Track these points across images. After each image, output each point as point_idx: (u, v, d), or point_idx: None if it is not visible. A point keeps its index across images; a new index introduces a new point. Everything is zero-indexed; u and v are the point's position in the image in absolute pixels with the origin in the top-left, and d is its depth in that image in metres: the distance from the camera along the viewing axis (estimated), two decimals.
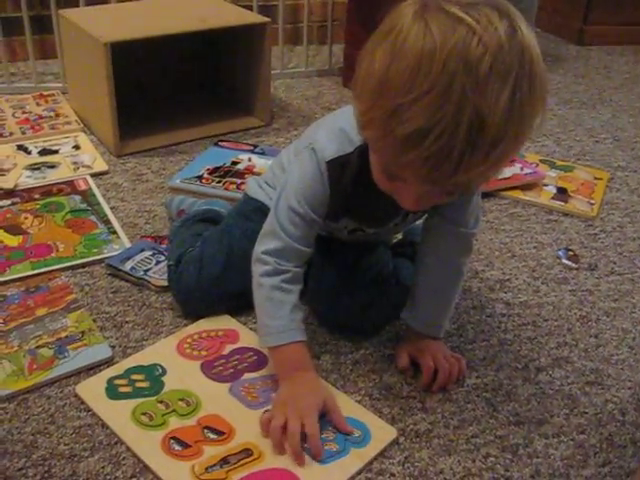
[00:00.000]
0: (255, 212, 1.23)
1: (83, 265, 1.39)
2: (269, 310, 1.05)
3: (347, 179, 1.01)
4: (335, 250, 1.21)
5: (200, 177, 1.72)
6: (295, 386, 1.02)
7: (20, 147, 1.90)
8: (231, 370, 1.12)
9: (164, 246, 1.42)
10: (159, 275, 1.32)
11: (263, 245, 1.05)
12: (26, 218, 1.54)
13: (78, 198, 1.63)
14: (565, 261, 1.48)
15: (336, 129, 1.01)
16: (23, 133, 1.99)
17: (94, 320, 1.23)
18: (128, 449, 0.99)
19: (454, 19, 0.73)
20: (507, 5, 0.78)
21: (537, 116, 0.80)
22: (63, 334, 1.19)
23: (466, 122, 0.72)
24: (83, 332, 1.19)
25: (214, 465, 0.95)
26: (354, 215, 1.11)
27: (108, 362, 1.14)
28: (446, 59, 0.72)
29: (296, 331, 1.04)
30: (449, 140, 0.73)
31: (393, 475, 0.97)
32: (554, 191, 1.76)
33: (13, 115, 2.11)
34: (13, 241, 1.46)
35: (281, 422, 0.98)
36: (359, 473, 0.97)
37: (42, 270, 1.36)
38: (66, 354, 1.14)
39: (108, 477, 0.95)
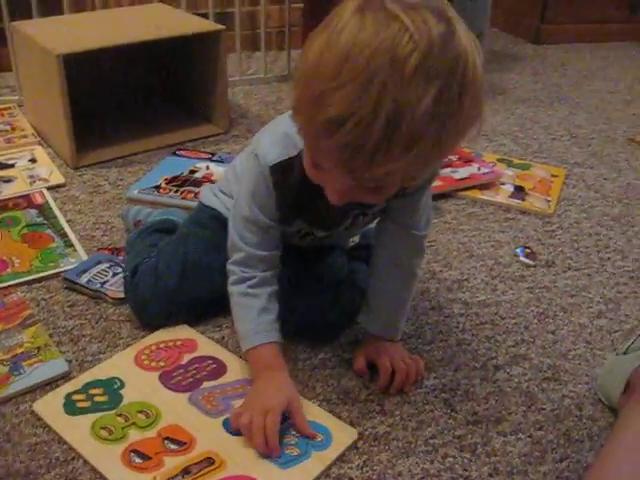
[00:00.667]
0: (210, 220, 1.23)
1: (39, 280, 1.38)
2: (239, 315, 1.09)
3: (292, 182, 1.01)
4: (289, 255, 1.21)
5: (158, 187, 1.71)
6: (263, 384, 1.04)
7: None
8: (190, 379, 1.11)
9: (121, 258, 1.41)
10: (116, 287, 1.32)
11: (230, 257, 1.10)
12: None
13: (34, 212, 1.61)
14: (523, 259, 1.50)
15: (280, 133, 1.01)
16: None
17: (50, 335, 1.22)
18: (85, 464, 0.98)
19: (390, 17, 0.74)
20: (448, 10, 0.79)
21: (468, 125, 0.81)
22: (19, 350, 1.17)
23: (383, 117, 0.73)
24: (39, 348, 1.18)
25: (175, 476, 0.95)
26: (304, 219, 1.11)
27: (65, 377, 1.13)
28: (373, 52, 0.72)
29: (264, 333, 1.07)
30: (364, 131, 0.74)
31: (351, 479, 0.98)
32: (511, 189, 1.78)
33: None
34: None
35: (247, 420, 0.99)
36: (319, 478, 0.97)
37: None
38: (21, 370, 1.13)
39: None
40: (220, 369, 1.14)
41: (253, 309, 1.07)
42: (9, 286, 1.35)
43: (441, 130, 0.77)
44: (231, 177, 1.24)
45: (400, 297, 1.15)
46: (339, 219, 1.12)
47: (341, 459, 1.00)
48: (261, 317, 1.07)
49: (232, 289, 1.09)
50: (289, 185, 1.02)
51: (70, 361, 1.17)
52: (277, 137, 1.02)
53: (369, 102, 0.73)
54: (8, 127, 2.09)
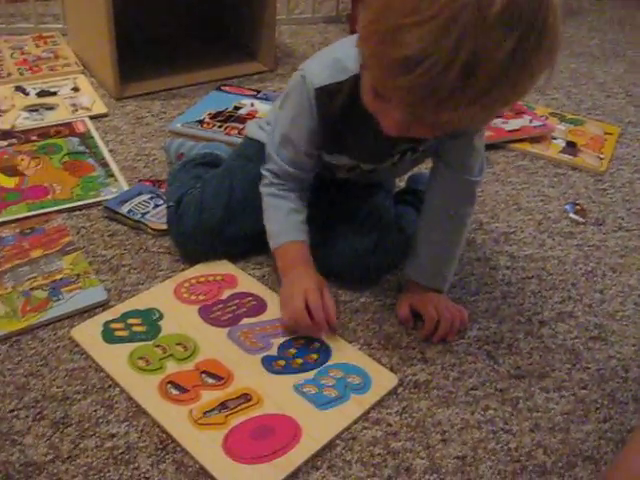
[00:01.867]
0: (256, 153, 1.20)
1: (80, 208, 1.36)
2: (268, 216, 1.12)
3: (337, 108, 0.98)
4: (336, 195, 1.19)
5: (201, 121, 1.68)
6: (291, 279, 1.08)
7: (18, 88, 1.86)
8: (229, 315, 1.11)
9: (162, 190, 1.39)
10: (157, 218, 1.30)
11: (265, 165, 1.12)
12: (23, 160, 1.52)
13: (76, 140, 1.60)
14: (572, 215, 1.46)
15: (330, 59, 0.98)
16: (21, 74, 1.95)
17: (90, 263, 1.21)
18: (122, 392, 0.98)
19: None
20: None
21: (541, 72, 0.76)
22: (58, 276, 1.17)
23: (461, 61, 0.69)
24: (78, 275, 1.17)
25: (212, 410, 0.95)
26: (347, 148, 1.08)
27: (103, 305, 1.13)
28: None
29: (292, 232, 1.10)
30: (439, 75, 0.70)
31: (390, 425, 0.96)
32: (563, 144, 1.73)
33: (11, 56, 2.06)
34: (9, 182, 1.44)
35: (291, 313, 1.04)
36: (357, 421, 0.96)
37: (38, 212, 1.34)
38: (60, 296, 1.13)
39: (100, 420, 0.94)
40: (260, 306, 1.13)
41: (282, 210, 1.10)
42: (50, 212, 1.34)
43: (517, 78, 0.73)
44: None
45: (449, 246, 1.12)
46: (386, 152, 1.08)
47: (380, 404, 0.99)
48: (289, 217, 1.09)
49: (263, 190, 1.13)
50: (334, 111, 0.99)
51: (109, 290, 1.16)
52: (327, 60, 0.99)
53: (448, 44, 0.69)
54: (51, 55, 2.07)
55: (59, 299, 1.12)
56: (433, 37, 0.69)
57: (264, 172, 1.12)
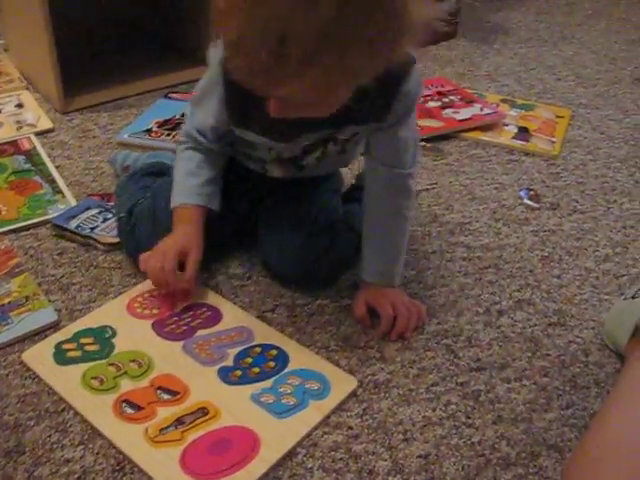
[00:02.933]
0: None
1: (27, 227, 1.34)
2: (173, 174, 1.16)
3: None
4: (281, 201, 1.17)
5: (149, 131, 1.66)
6: (169, 235, 1.11)
7: None
8: (184, 328, 1.09)
9: (111, 204, 1.37)
10: (107, 232, 1.28)
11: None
12: None
13: (22, 158, 1.56)
14: (527, 201, 1.46)
15: None
16: None
17: (39, 284, 1.19)
18: (76, 415, 0.96)
19: None
20: None
21: (382, 39, 0.78)
22: (6, 300, 1.14)
23: (271, 41, 0.73)
24: (27, 297, 1.15)
25: (168, 426, 0.93)
26: (252, 123, 1.06)
27: (54, 327, 1.10)
28: None
29: (185, 195, 1.12)
30: (254, 56, 0.75)
31: (351, 428, 0.95)
32: (515, 130, 1.72)
33: None
34: None
35: (153, 265, 1.08)
36: (317, 427, 0.95)
37: None
38: (9, 320, 1.10)
39: (55, 445, 0.92)
40: (215, 316, 1.11)
41: (181, 171, 1.13)
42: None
43: (342, 49, 0.75)
44: None
45: (393, 242, 1.12)
46: (292, 132, 1.06)
47: (340, 407, 0.98)
48: (187, 179, 1.12)
49: (177, 148, 1.17)
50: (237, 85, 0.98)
51: (59, 310, 1.13)
52: None
53: (257, 26, 0.74)
54: None
55: (8, 323, 1.09)
56: (243, 21, 0.74)
57: (180, 133, 1.16)
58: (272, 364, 1.02)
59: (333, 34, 0.73)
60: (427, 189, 1.47)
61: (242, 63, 0.78)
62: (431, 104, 1.78)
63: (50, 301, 1.15)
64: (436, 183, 1.50)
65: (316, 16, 0.72)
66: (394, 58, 0.83)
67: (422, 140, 1.63)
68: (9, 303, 1.14)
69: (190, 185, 1.12)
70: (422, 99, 1.79)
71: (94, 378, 1.00)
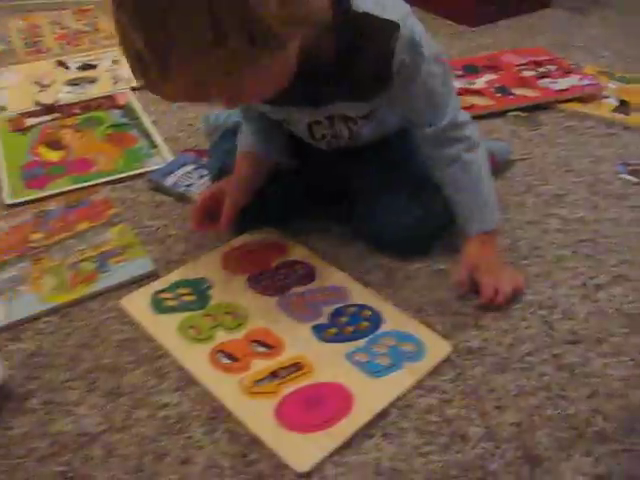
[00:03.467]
0: None
1: (124, 179, 1.36)
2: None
3: None
4: (371, 165, 1.17)
5: None
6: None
7: (59, 63, 1.86)
8: (279, 283, 1.10)
9: (205, 159, 1.38)
10: (202, 190, 1.28)
11: None
12: (66, 133, 1.52)
13: (118, 112, 1.60)
14: (625, 176, 1.41)
15: None
16: (62, 48, 1.95)
17: (136, 234, 1.21)
18: (172, 362, 0.97)
19: None
20: None
21: (191, 15, 0.75)
22: (105, 248, 1.17)
23: (131, 51, 0.78)
24: (125, 246, 1.17)
25: (263, 379, 0.94)
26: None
27: (151, 276, 1.12)
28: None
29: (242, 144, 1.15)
30: (133, 63, 0.80)
31: (445, 392, 0.94)
32: (615, 103, 1.66)
33: (51, 31, 2.06)
34: (54, 156, 1.44)
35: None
36: (411, 389, 0.94)
37: (83, 185, 1.35)
38: (108, 268, 1.13)
39: (152, 390, 0.94)
40: (309, 274, 1.12)
41: (242, 132, 1.17)
42: (95, 185, 1.35)
43: (167, 48, 0.75)
44: None
45: (468, 188, 1.08)
46: (306, 103, 1.05)
47: (434, 371, 0.97)
48: (244, 130, 1.16)
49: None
50: None
51: (156, 261, 1.15)
52: None
53: (121, 39, 0.79)
54: (91, 28, 2.06)
55: (107, 271, 1.12)
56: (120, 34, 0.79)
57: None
58: (366, 324, 1.02)
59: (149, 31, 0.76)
60: (522, 159, 1.44)
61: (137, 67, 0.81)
62: (526, 73, 1.73)
63: (147, 252, 1.17)
64: (530, 153, 1.46)
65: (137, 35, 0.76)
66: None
67: (517, 109, 1.60)
68: (108, 251, 1.16)
69: (245, 134, 1.15)
70: (515, 68, 1.75)
71: (191, 327, 1.02)
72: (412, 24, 0.95)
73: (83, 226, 1.22)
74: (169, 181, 1.32)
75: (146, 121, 1.55)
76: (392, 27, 0.93)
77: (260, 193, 1.14)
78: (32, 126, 1.56)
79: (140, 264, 1.13)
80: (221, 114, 1.47)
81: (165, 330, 1.01)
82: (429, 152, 1.08)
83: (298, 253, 1.16)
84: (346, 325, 1.02)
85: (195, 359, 0.97)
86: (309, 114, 1.08)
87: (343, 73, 0.95)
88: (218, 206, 1.10)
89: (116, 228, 1.21)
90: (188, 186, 1.30)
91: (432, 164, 1.10)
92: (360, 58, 0.94)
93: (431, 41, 1.00)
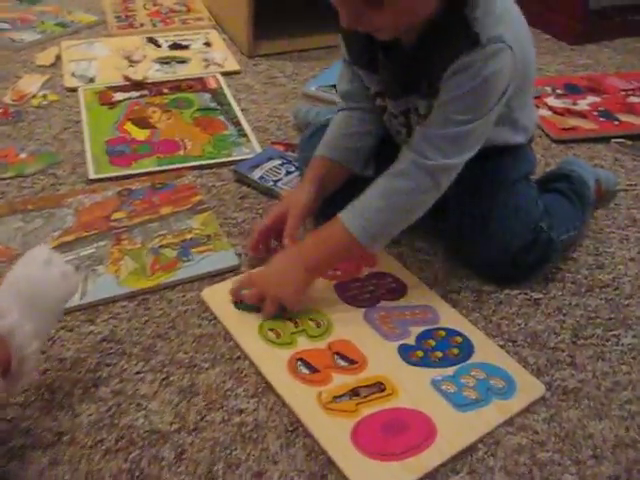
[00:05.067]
0: None
1: (211, 166, 1.33)
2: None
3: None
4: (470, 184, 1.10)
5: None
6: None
7: (150, 39, 1.83)
8: (367, 295, 1.05)
9: (293, 154, 1.34)
10: (289, 186, 1.25)
11: None
12: (154, 112, 1.49)
13: (208, 96, 1.56)
14: None
15: None
16: (154, 25, 1.92)
17: (220, 225, 1.17)
18: (251, 365, 0.93)
19: None
20: None
21: None
22: (188, 236, 1.13)
23: None
24: (209, 236, 1.13)
25: (343, 395, 0.89)
26: (379, 67, 1.03)
27: (234, 270, 1.08)
28: None
29: (320, 147, 1.12)
30: None
31: (537, 433, 0.88)
32: None
33: (144, 7, 2.04)
34: (141, 134, 1.42)
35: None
36: (499, 425, 0.88)
37: (169, 167, 1.31)
38: (190, 257, 1.09)
39: (229, 393, 0.90)
40: (400, 289, 1.07)
41: (328, 130, 1.13)
42: (181, 168, 1.31)
43: None
44: None
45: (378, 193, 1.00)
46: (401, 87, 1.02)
47: (526, 408, 0.90)
48: (327, 135, 1.12)
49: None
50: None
51: (239, 255, 1.11)
52: None
53: None
54: (184, 8, 2.04)
55: (189, 260, 1.09)
56: None
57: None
58: (456, 351, 0.96)
59: None
60: (626, 190, 1.36)
61: None
62: (633, 99, 1.64)
63: (231, 244, 1.13)
64: (636, 185, 1.38)
65: None
66: None
67: (622, 137, 1.51)
68: (190, 239, 1.13)
69: (327, 139, 1.11)
70: (621, 92, 1.66)
71: (271, 330, 0.97)
72: (497, 54, 0.91)
73: (167, 210, 1.19)
74: (256, 174, 1.28)
75: (236, 108, 1.52)
76: (475, 39, 0.90)
77: (331, 200, 1.11)
78: (120, 101, 1.53)
79: (224, 257, 1.10)
80: (312, 109, 1.45)
81: (245, 329, 0.97)
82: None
83: (389, 265, 1.11)
84: (434, 350, 0.97)
85: (273, 364, 0.92)
86: (390, 104, 1.05)
87: (423, 61, 0.95)
88: (282, 226, 1.07)
89: (201, 216, 1.18)
90: (276, 182, 1.26)
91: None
92: (438, 55, 0.93)
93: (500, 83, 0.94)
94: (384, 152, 1.09)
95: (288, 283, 0.99)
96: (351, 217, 0.98)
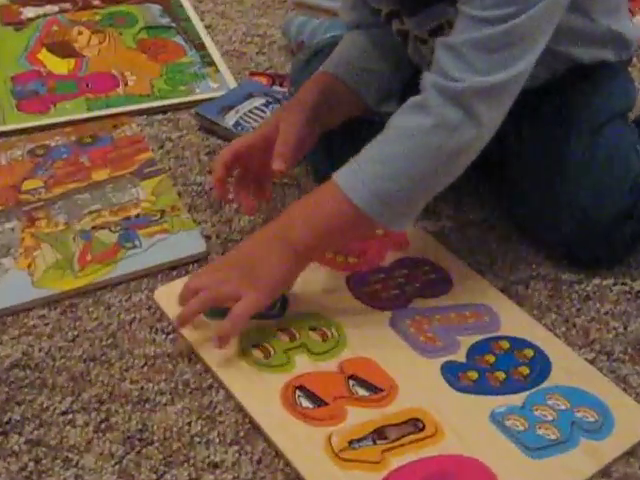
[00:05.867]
0: None
1: (164, 109, 1.32)
2: None
3: None
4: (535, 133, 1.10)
5: None
6: None
7: None
8: (395, 291, 1.04)
9: (284, 90, 1.34)
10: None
11: None
12: (80, 33, 1.48)
13: (157, 9, 1.56)
14: None
15: None
16: None
17: (179, 194, 1.17)
18: (229, 398, 0.92)
19: None
20: None
21: None
22: (133, 211, 1.13)
23: None
24: (163, 211, 1.13)
25: (363, 438, 0.87)
26: None
27: (200, 260, 1.07)
28: None
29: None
30: None
31: None
32: None
33: None
34: (61, 66, 1.41)
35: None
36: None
37: (103, 112, 1.31)
38: (137, 242, 1.09)
39: (197, 439, 0.88)
40: (442, 282, 1.06)
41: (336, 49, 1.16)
42: (120, 114, 1.30)
43: None
44: None
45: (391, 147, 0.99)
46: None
47: (629, 450, 0.88)
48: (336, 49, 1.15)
49: None
50: None
51: (208, 237, 1.11)
52: None
53: None
54: None
55: (135, 246, 1.08)
56: None
57: None
58: (525, 370, 0.95)
59: None
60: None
61: None
62: None
63: (196, 222, 1.12)
64: None
65: None
66: None
67: None
68: (137, 217, 1.12)
69: (332, 57, 1.13)
70: None
71: (257, 346, 0.96)
72: None
73: (101, 175, 1.18)
74: (229, 120, 1.28)
75: (198, 25, 1.51)
76: None
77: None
78: (31, 19, 1.53)
79: (185, 240, 1.10)
80: (308, 23, 1.46)
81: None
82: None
83: (425, 247, 1.11)
84: (494, 369, 0.95)
85: (261, 396, 0.91)
86: (411, 24, 1.05)
87: None
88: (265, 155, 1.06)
89: (151, 182, 1.17)
90: None
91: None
92: None
93: None
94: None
95: (266, 272, 0.96)
96: (351, 177, 0.94)
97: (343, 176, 0.95)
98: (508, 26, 0.89)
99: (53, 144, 1.22)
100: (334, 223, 0.96)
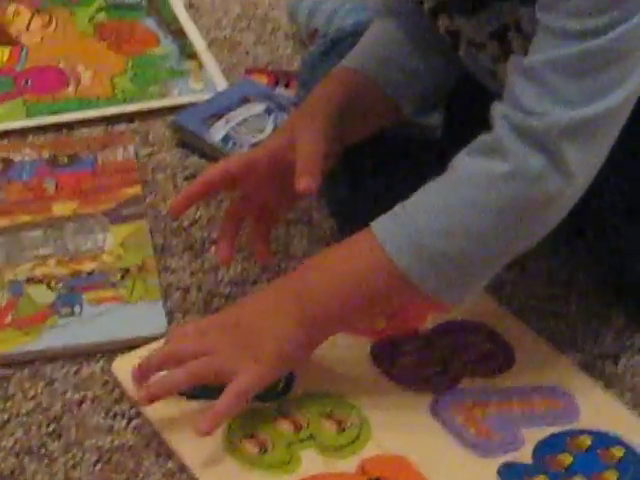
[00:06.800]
0: None
1: (130, 116, 1.36)
2: None
3: None
4: None
5: None
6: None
7: None
8: (437, 368, 1.07)
9: (289, 96, 1.38)
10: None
11: None
12: (18, 14, 1.53)
13: None
14: None
15: None
16: None
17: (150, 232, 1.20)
18: None
19: None
20: None
21: None
22: (88, 266, 1.16)
23: None
24: (127, 270, 1.15)
25: None
26: None
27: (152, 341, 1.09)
28: None
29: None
30: None
31: None
32: None
33: None
34: None
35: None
36: None
37: (48, 120, 1.35)
38: (76, 308, 1.11)
39: None
40: (501, 355, 1.10)
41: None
42: (68, 123, 1.34)
43: None
44: None
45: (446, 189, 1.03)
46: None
47: None
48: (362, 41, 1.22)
49: None
50: None
51: (186, 291, 1.15)
52: None
53: None
54: None
55: (72, 313, 1.11)
56: None
57: None
58: (613, 476, 0.97)
59: None
60: None
61: None
62: None
63: (161, 290, 1.14)
64: None
65: None
66: None
67: None
68: (89, 274, 1.15)
69: (357, 48, 1.20)
70: None
71: (250, 437, 0.98)
72: None
73: (65, 209, 1.23)
74: (216, 133, 1.31)
75: (177, 4, 1.55)
76: None
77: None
78: None
79: (143, 315, 1.12)
80: (322, 4, 1.50)
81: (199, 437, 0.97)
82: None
83: (478, 307, 1.13)
84: (570, 473, 0.97)
85: None
86: (464, 25, 1.08)
87: None
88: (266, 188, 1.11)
89: (124, 228, 1.21)
90: (254, 145, 1.28)
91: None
92: None
93: None
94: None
95: (271, 340, 0.99)
96: (392, 226, 0.98)
97: (382, 225, 0.97)
98: (604, 41, 0.90)
99: (17, 159, 1.26)
100: (365, 286, 0.98)
